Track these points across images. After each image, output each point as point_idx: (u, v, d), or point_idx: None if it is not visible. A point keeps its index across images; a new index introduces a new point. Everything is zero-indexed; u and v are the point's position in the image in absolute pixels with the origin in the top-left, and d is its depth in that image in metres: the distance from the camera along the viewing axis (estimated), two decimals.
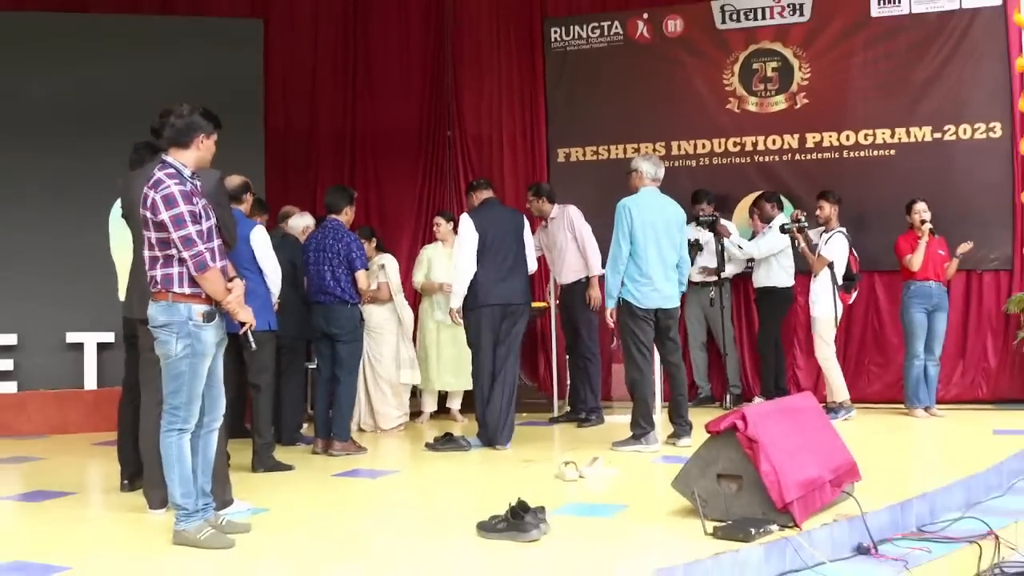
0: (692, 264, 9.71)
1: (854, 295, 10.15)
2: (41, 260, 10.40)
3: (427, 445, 8.55)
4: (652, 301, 8.17)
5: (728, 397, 10.64)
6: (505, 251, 8.48)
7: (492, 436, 8.39)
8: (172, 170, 5.34)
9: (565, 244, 9.85)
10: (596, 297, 9.67)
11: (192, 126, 5.43)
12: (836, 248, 9.82)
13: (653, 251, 8.15)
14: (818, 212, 10.02)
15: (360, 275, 8.42)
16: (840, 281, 9.80)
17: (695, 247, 9.91)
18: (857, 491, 5.75)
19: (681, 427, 8.31)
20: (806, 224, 10.07)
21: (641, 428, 8.16)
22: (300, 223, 9.42)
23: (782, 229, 10.10)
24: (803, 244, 10.02)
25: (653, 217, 8.19)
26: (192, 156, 5.45)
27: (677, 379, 8.40)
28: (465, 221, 8.54)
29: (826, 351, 9.88)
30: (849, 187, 10.61)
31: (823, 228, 10.05)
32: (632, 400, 8.32)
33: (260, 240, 7.70)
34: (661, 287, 8.19)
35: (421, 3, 12.47)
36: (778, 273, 10.41)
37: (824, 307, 9.80)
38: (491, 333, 8.44)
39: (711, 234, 10.50)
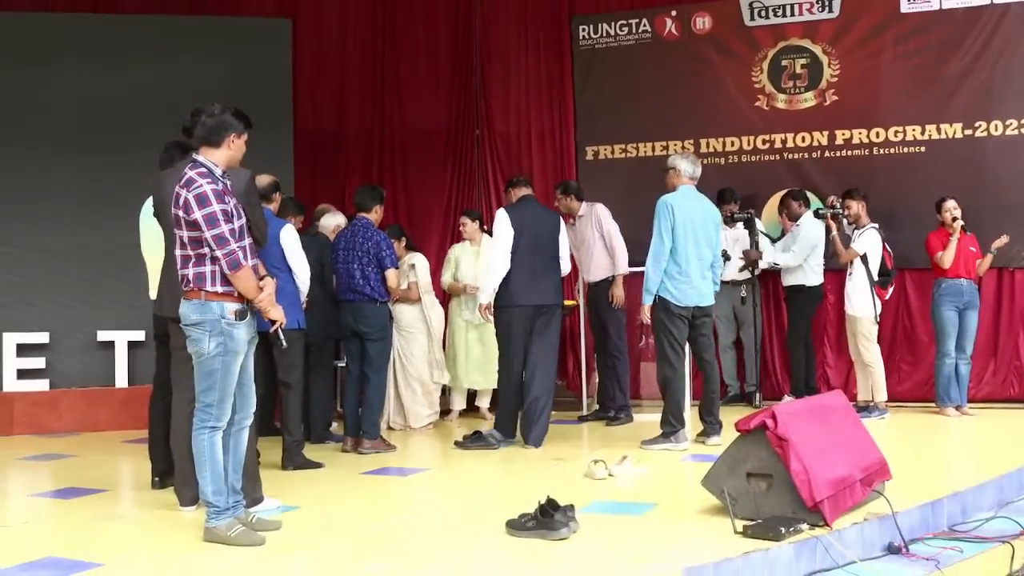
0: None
1: (890, 291, 10.09)
2: (72, 259, 10.48)
3: (456, 443, 8.56)
4: (689, 299, 8.16)
5: (758, 395, 10.59)
6: (540, 250, 8.44)
7: (523, 434, 8.35)
8: (203, 169, 5.37)
9: (593, 242, 9.82)
10: (619, 296, 9.66)
11: (223, 125, 5.46)
12: (868, 242, 9.75)
13: (692, 249, 8.14)
14: (846, 211, 9.97)
15: (390, 273, 8.43)
16: (876, 277, 9.75)
17: (723, 258, 9.82)
18: (888, 490, 5.74)
19: (711, 425, 8.29)
20: (841, 211, 9.98)
21: (671, 426, 8.15)
22: (332, 222, 9.43)
23: (816, 213, 10.07)
24: (836, 231, 9.92)
25: (692, 215, 8.17)
26: (223, 155, 5.48)
27: (710, 377, 8.40)
28: (502, 216, 8.51)
29: (873, 349, 9.79)
30: (879, 184, 10.58)
31: (854, 225, 9.98)
32: (663, 398, 8.31)
33: (289, 239, 7.73)
34: (698, 285, 8.18)
35: (449, 2, 12.49)
36: (807, 272, 10.36)
37: (862, 306, 9.72)
38: (522, 333, 8.40)
39: (746, 231, 10.49)
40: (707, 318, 8.37)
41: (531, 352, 8.45)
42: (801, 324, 10.50)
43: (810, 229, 10.25)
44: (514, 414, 8.46)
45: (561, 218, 8.90)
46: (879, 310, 9.76)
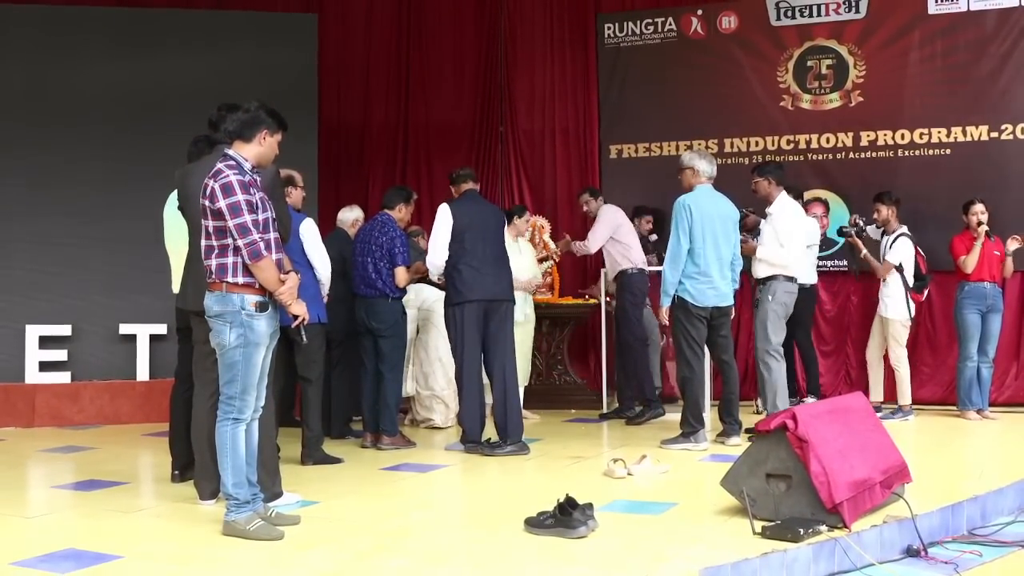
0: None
1: (925, 293, 10.03)
2: (95, 252, 10.53)
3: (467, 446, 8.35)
4: (708, 299, 8.15)
5: (759, 401, 10.36)
6: (489, 244, 8.25)
7: (499, 433, 8.20)
8: (232, 162, 5.43)
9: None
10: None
11: (256, 121, 5.53)
12: (901, 251, 9.75)
13: (711, 249, 8.11)
14: (875, 215, 9.93)
15: (399, 271, 8.33)
16: (911, 283, 9.74)
17: None
18: (908, 493, 5.71)
19: (731, 426, 8.28)
20: (865, 228, 9.91)
21: (691, 426, 8.13)
22: (349, 216, 9.41)
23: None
24: (864, 250, 9.87)
25: (711, 214, 8.15)
26: (253, 151, 5.52)
27: (729, 378, 8.38)
28: (443, 210, 8.29)
29: (900, 352, 9.81)
30: (904, 186, 10.55)
31: (883, 230, 9.94)
32: (682, 398, 8.30)
33: (310, 232, 7.73)
34: (718, 285, 8.16)
35: None
36: (809, 270, 10.14)
37: (897, 309, 9.75)
38: (476, 329, 8.17)
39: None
40: (726, 318, 8.35)
41: (490, 349, 8.25)
42: (809, 323, 10.36)
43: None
44: (481, 416, 8.29)
45: (504, 214, 8.92)
46: (912, 313, 9.76)
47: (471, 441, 8.19)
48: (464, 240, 8.16)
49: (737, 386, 8.49)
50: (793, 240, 8.56)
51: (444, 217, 8.23)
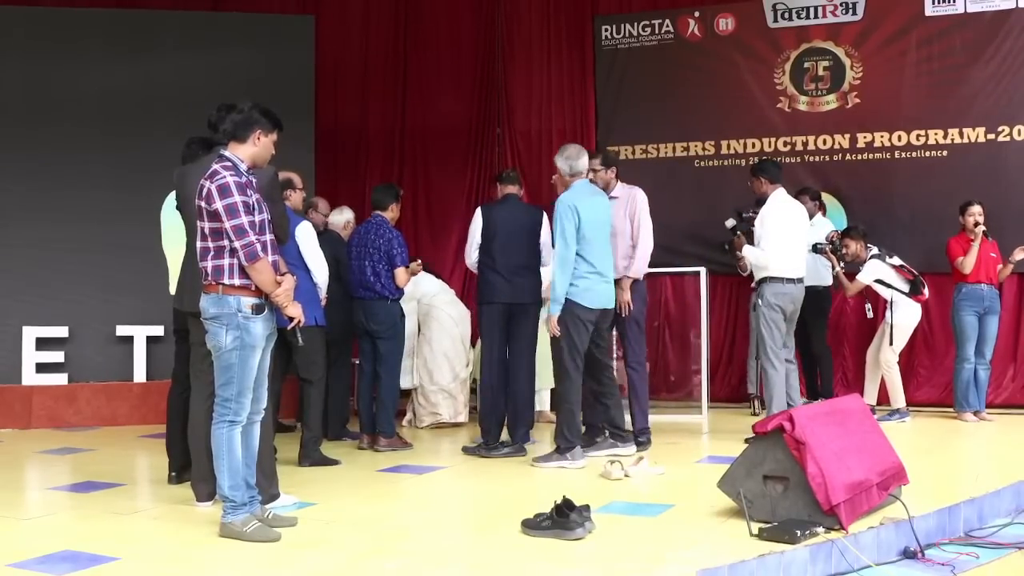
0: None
1: (926, 292, 9.94)
2: (92, 254, 10.52)
3: (464, 449, 8.42)
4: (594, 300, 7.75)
5: (757, 403, 10.40)
6: (516, 249, 8.26)
7: (510, 433, 8.25)
8: (228, 163, 5.44)
9: (620, 233, 8.52)
10: (624, 301, 8.22)
11: (250, 121, 5.53)
12: (871, 271, 9.85)
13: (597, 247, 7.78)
14: (844, 250, 9.89)
15: (399, 272, 8.39)
16: (906, 290, 9.75)
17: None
18: (905, 495, 5.73)
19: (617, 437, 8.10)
20: (839, 247, 9.89)
21: (567, 441, 7.63)
22: (340, 218, 9.36)
23: (814, 248, 9.72)
24: (838, 267, 9.88)
25: (597, 215, 7.79)
26: (248, 151, 5.53)
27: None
28: (476, 213, 8.47)
29: (891, 356, 9.82)
30: (900, 188, 10.58)
31: (854, 262, 9.96)
32: (559, 412, 7.81)
33: (306, 236, 7.72)
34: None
35: (472, 0, 12.49)
36: (822, 271, 10.16)
37: (908, 316, 9.83)
38: (500, 330, 8.27)
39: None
40: (606, 322, 7.95)
41: (512, 351, 8.34)
42: (823, 325, 10.32)
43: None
44: (500, 417, 8.29)
45: (543, 213, 8.45)
46: (919, 318, 9.92)
47: (486, 441, 8.22)
48: (491, 246, 8.27)
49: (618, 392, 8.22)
50: (771, 239, 8.27)
51: (476, 220, 8.41)
